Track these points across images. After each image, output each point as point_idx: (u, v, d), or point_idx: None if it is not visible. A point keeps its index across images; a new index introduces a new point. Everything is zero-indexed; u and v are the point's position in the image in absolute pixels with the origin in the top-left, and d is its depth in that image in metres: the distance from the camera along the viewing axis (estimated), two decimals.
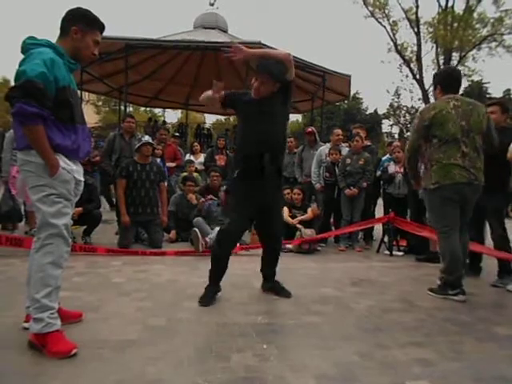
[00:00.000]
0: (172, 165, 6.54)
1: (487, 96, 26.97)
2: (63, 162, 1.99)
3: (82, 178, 2.16)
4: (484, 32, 21.89)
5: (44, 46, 1.95)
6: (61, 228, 1.97)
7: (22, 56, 1.94)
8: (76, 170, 2.09)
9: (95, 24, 2.11)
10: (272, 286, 3.07)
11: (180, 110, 26.53)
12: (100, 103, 33.68)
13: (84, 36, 2.06)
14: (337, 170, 5.36)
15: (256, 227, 3.20)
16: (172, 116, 32.62)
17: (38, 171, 1.91)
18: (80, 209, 4.53)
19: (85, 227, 4.74)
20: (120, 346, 2.00)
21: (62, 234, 1.98)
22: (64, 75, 1.96)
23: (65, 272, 3.41)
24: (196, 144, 8.07)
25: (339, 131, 5.73)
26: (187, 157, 7.56)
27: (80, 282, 3.13)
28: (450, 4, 21.92)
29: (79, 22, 2.04)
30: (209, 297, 2.75)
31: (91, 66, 10.97)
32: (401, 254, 4.97)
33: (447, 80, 3.26)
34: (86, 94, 17.85)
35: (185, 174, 6.42)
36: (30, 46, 1.95)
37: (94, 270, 3.56)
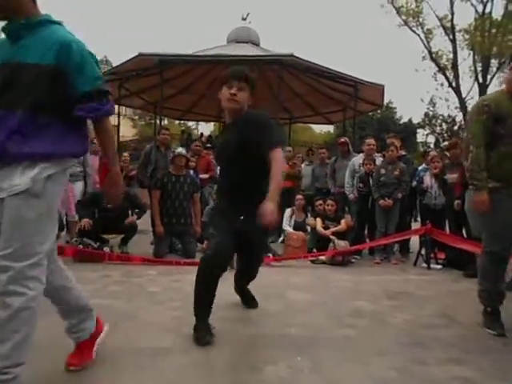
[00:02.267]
0: (205, 176, 6.63)
1: None
2: None
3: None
4: None
5: None
6: None
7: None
8: None
9: None
10: (242, 293, 2.93)
11: (213, 123, 26.99)
12: (136, 117, 34.82)
13: None
14: (371, 181, 5.27)
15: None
16: (205, 128, 33.29)
17: None
18: (134, 218, 4.89)
19: (122, 236, 4.89)
20: (155, 353, 2.03)
21: None
22: None
23: (103, 280, 3.54)
24: None
25: (371, 141, 5.62)
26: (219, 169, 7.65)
27: (117, 291, 3.21)
28: (487, 10, 21.30)
29: None
30: (206, 331, 2.22)
31: (128, 82, 11.43)
32: (439, 267, 4.79)
33: None
34: (124, 108, 18.49)
35: None
36: None
37: (130, 278, 3.65)
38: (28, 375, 1.57)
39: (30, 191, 1.49)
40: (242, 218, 2.35)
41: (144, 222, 5.92)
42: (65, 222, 5.42)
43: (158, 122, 12.53)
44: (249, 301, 2.92)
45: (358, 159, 5.63)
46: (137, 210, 5.02)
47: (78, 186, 5.25)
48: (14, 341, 1.45)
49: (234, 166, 2.35)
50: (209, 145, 11.51)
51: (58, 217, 5.10)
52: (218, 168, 2.68)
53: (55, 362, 1.90)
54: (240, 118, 2.32)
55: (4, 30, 1.58)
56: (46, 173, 1.54)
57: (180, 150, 5.40)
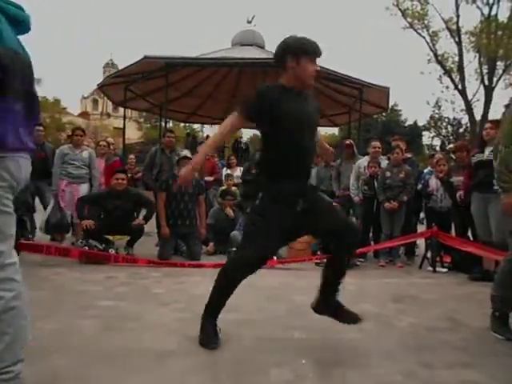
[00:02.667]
0: (210, 179, 6.65)
1: None
2: None
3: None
4: None
5: None
6: None
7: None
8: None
9: None
10: (334, 308, 2.37)
11: (218, 126, 27.06)
12: (142, 120, 34.99)
13: None
14: (376, 183, 5.26)
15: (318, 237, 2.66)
16: (209, 131, 33.44)
17: None
18: (142, 221, 4.84)
19: (128, 238, 4.90)
20: (160, 355, 2.03)
21: None
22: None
23: (109, 282, 3.55)
24: (232, 158, 8.18)
25: (377, 143, 5.62)
26: (224, 170, 7.67)
27: (123, 292, 3.22)
28: (493, 12, 21.22)
29: None
30: (213, 334, 2.20)
31: (134, 85, 11.48)
32: (445, 270, 4.76)
33: None
34: (129, 111, 18.60)
35: (224, 187, 6.52)
36: None
37: (135, 280, 3.67)
38: (32, 375, 1.59)
39: None
40: (302, 199, 2.17)
41: (149, 224, 5.93)
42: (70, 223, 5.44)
43: (163, 124, 12.58)
44: (344, 314, 2.34)
45: (363, 161, 5.61)
46: (144, 213, 5.01)
47: (84, 188, 5.27)
48: (3, 344, 1.42)
49: (306, 137, 2.18)
50: None
51: (64, 218, 5.07)
52: (280, 140, 2.17)
53: (54, 364, 1.91)
54: (305, 92, 2.25)
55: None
56: None
57: (185, 152, 5.42)
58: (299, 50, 2.12)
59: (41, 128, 5.86)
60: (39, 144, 5.70)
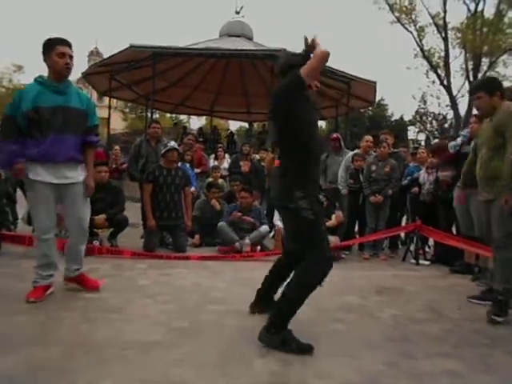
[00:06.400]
0: (197, 171, 6.60)
1: None
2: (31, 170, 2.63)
3: (63, 181, 2.75)
4: None
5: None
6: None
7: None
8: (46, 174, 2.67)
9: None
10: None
11: (204, 117, 26.85)
12: (127, 110, 34.47)
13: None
14: (361, 177, 5.30)
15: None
16: (196, 123, 33.17)
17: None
18: (103, 216, 4.63)
19: (111, 230, 4.83)
20: (144, 347, 2.03)
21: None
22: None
23: (93, 274, 3.51)
24: (220, 149, 8.13)
25: (370, 137, 5.69)
26: (211, 162, 7.63)
27: (107, 284, 3.19)
28: (479, 8, 21.44)
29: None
30: (297, 339, 2.10)
31: (119, 74, 11.29)
32: (427, 263, 4.84)
33: None
34: (114, 100, 18.31)
35: (210, 179, 6.49)
36: None
37: (119, 272, 3.64)
38: (8, 369, 1.56)
39: None
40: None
41: (134, 216, 5.89)
42: None
43: (149, 115, 12.43)
44: (269, 302, 2.61)
45: (353, 154, 5.64)
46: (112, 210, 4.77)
47: None
48: None
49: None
50: (201, 139, 11.42)
51: None
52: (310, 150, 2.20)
53: (35, 356, 1.89)
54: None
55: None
56: None
57: (172, 143, 5.35)
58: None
59: None
60: None
